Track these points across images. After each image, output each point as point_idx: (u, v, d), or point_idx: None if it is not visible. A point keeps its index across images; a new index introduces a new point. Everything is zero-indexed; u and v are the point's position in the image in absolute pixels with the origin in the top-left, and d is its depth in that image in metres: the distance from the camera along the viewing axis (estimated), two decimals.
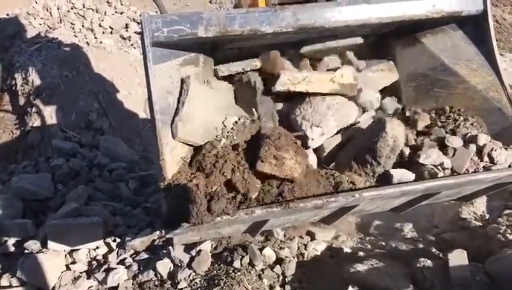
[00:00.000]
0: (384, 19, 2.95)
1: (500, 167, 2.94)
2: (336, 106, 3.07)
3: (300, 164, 2.64)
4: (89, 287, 4.12)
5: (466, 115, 3.19)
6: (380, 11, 2.93)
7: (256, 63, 3.11)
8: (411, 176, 2.82)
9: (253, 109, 3.02)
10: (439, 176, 2.81)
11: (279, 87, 2.97)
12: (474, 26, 3.19)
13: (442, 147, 2.96)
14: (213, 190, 2.36)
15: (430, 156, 2.87)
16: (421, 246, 4.75)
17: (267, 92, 3.08)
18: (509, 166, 2.96)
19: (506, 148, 3.00)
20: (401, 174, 2.81)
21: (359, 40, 3.41)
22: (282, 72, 2.97)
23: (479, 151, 2.98)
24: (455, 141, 2.97)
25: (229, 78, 3.17)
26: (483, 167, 2.96)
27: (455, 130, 3.10)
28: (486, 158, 2.95)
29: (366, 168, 2.89)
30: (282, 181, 2.59)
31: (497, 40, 3.20)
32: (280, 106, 3.24)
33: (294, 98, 3.16)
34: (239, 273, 4.10)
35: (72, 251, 4.32)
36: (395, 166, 2.90)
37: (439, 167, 2.86)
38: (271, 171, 2.58)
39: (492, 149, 2.95)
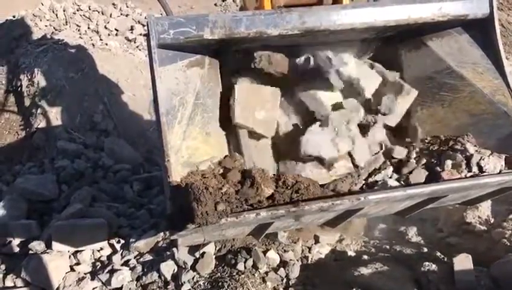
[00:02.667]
0: (390, 22, 2.95)
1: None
2: None
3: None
4: (93, 289, 4.13)
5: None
6: (385, 14, 2.93)
7: None
8: None
9: None
10: None
11: None
12: (480, 30, 3.18)
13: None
14: (222, 191, 2.36)
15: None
16: (425, 250, 4.73)
17: None
18: (500, 172, 2.96)
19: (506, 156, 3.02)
20: None
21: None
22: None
23: (467, 162, 2.98)
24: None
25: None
26: (471, 176, 2.97)
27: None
28: (475, 168, 2.95)
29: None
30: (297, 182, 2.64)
31: (502, 43, 3.19)
32: None
33: None
34: (243, 275, 4.09)
35: (76, 252, 4.33)
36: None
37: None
38: None
39: (480, 158, 2.94)
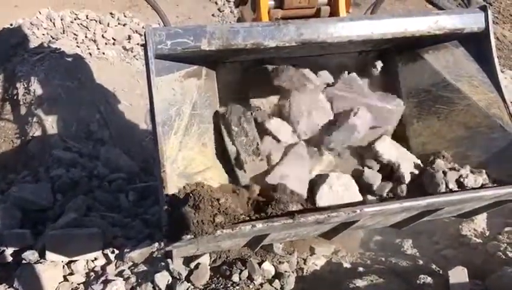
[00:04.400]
0: (387, 34, 2.97)
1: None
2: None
3: None
4: None
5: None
6: (382, 27, 2.94)
7: None
8: None
9: None
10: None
11: None
12: (476, 44, 3.20)
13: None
14: (220, 202, 2.35)
15: None
16: (421, 262, 4.72)
17: None
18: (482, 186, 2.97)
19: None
20: None
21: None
22: None
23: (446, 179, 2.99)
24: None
25: None
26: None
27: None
28: (452, 185, 2.95)
29: None
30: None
31: (497, 57, 3.21)
32: None
33: None
34: (238, 287, 4.08)
35: (70, 261, 4.30)
36: None
37: None
38: None
39: (460, 176, 2.95)
